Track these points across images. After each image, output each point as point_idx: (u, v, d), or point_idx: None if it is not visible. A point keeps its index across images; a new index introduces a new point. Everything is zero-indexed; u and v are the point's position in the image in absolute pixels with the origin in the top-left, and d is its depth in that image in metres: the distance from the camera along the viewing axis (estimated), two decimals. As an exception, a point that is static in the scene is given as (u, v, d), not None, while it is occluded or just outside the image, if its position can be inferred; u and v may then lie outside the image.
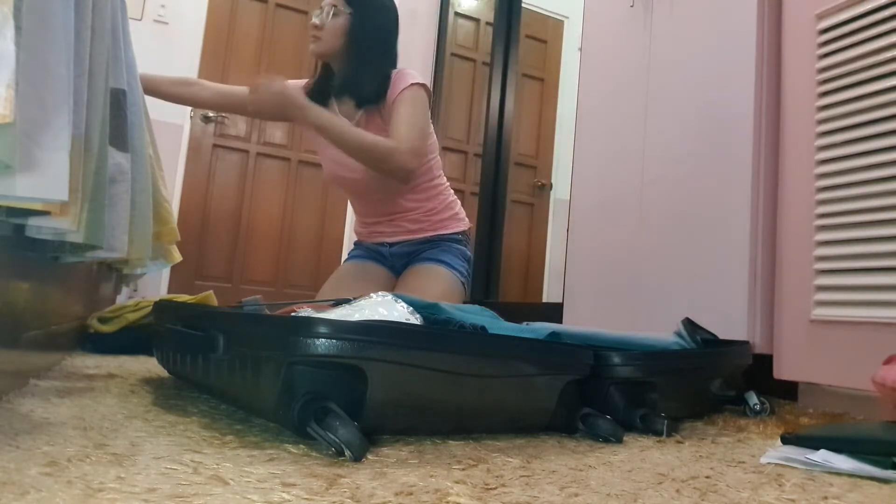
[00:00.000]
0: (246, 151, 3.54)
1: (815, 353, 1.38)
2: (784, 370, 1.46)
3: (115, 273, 2.00)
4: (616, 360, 0.98)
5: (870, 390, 1.07)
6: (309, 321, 0.69)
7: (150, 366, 1.29)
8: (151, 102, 1.59)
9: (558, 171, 4.23)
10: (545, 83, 4.34)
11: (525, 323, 1.08)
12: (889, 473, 0.73)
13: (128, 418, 0.76)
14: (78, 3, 0.75)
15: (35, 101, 0.63)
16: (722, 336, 1.30)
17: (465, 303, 1.56)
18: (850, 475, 0.74)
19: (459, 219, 1.78)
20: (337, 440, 0.63)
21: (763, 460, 0.80)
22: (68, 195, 0.68)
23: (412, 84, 1.58)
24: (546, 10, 4.30)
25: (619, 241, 1.95)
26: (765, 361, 1.47)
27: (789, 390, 1.50)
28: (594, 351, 0.95)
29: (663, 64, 1.88)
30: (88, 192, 0.83)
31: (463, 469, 0.64)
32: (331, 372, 0.70)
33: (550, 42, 4.37)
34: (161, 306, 1.12)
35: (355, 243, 1.87)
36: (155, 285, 3.17)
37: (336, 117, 1.56)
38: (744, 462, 0.79)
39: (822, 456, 0.78)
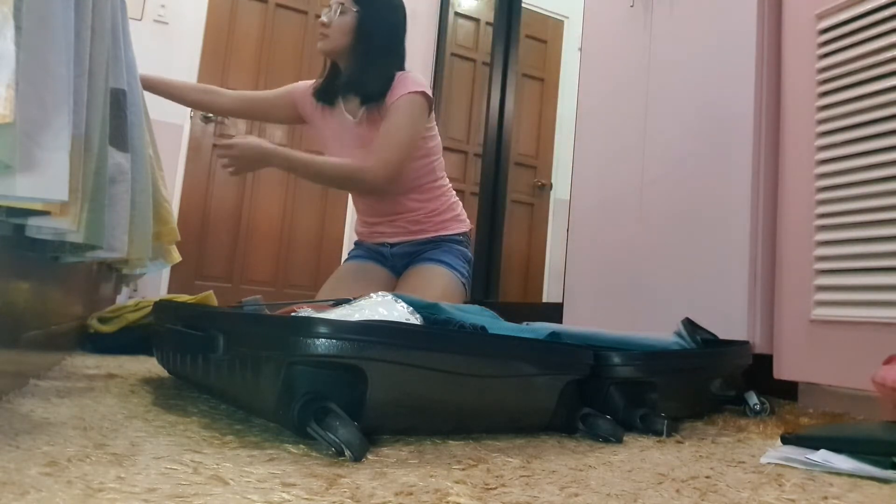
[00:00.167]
0: (246, 151, 3.54)
1: (815, 353, 1.38)
2: (784, 370, 1.46)
3: (115, 273, 2.00)
4: (616, 360, 0.98)
5: (870, 390, 1.07)
6: (309, 321, 0.69)
7: (150, 366, 1.29)
8: (151, 102, 1.59)
9: (558, 171, 4.23)
10: (545, 83, 4.34)
11: (525, 323, 1.08)
12: (889, 473, 0.73)
13: (128, 418, 0.76)
14: (78, 3, 0.75)
15: (35, 101, 0.63)
16: (722, 336, 1.30)
17: (465, 303, 1.56)
18: (850, 475, 0.74)
19: (461, 220, 1.78)
20: (337, 440, 0.63)
21: (763, 460, 0.80)
22: (68, 195, 0.68)
23: (410, 92, 1.57)
24: (546, 10, 4.30)
25: (619, 241, 1.95)
26: (765, 361, 1.47)
27: (789, 390, 1.50)
28: (594, 351, 0.95)
29: (663, 64, 1.88)
30: (88, 192, 0.83)
31: (463, 469, 0.64)
32: (331, 372, 0.70)
33: (550, 42, 4.37)
34: (161, 306, 1.12)
35: (356, 243, 1.87)
36: (155, 285, 3.17)
37: (303, 155, 1.58)
38: (744, 462, 0.79)
39: (822, 456, 0.78)
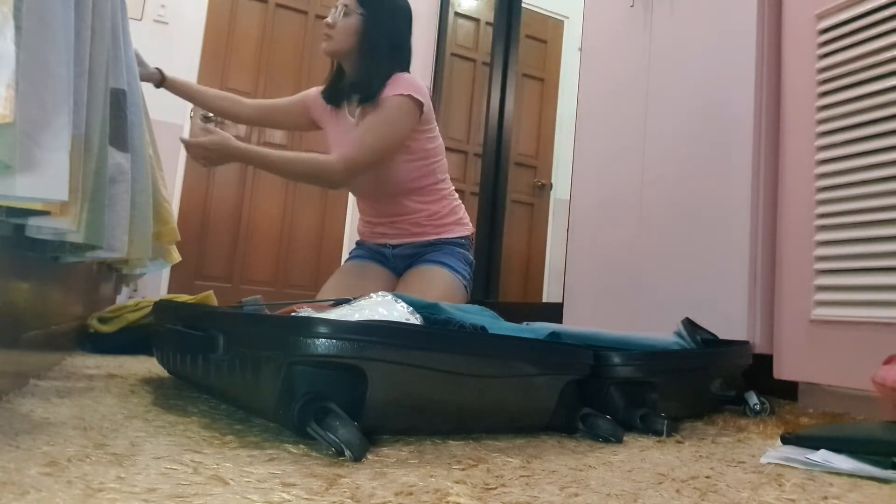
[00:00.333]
0: (246, 151, 3.54)
1: (815, 353, 1.38)
2: (784, 370, 1.46)
3: (115, 273, 2.00)
4: (616, 360, 0.98)
5: (870, 390, 1.07)
6: (309, 321, 0.69)
7: (150, 366, 1.29)
8: (151, 102, 1.59)
9: (558, 171, 4.23)
10: (545, 83, 4.34)
11: (525, 323, 1.08)
12: (889, 473, 0.73)
13: (128, 418, 0.76)
14: (78, 3, 0.75)
15: (35, 101, 0.63)
16: (722, 336, 1.30)
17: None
18: (850, 475, 0.74)
19: (463, 224, 1.78)
20: (337, 440, 0.63)
21: (763, 460, 0.80)
22: (68, 195, 0.68)
23: (398, 94, 1.55)
24: (546, 10, 4.30)
25: (619, 241, 1.95)
26: (765, 361, 1.47)
27: (789, 390, 1.50)
28: (594, 351, 0.95)
29: (663, 64, 1.88)
30: (88, 192, 0.83)
31: (463, 469, 0.64)
32: (331, 372, 0.70)
33: (550, 42, 4.37)
34: (161, 306, 1.12)
35: (357, 243, 1.87)
36: (155, 285, 3.17)
37: (265, 151, 1.59)
38: (744, 462, 0.79)
39: (822, 456, 0.78)
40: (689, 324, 1.21)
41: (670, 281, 1.73)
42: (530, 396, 0.88)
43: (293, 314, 0.85)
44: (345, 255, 3.64)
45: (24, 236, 0.79)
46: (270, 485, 0.53)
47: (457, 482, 0.59)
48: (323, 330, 0.67)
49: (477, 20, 4.23)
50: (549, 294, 4.12)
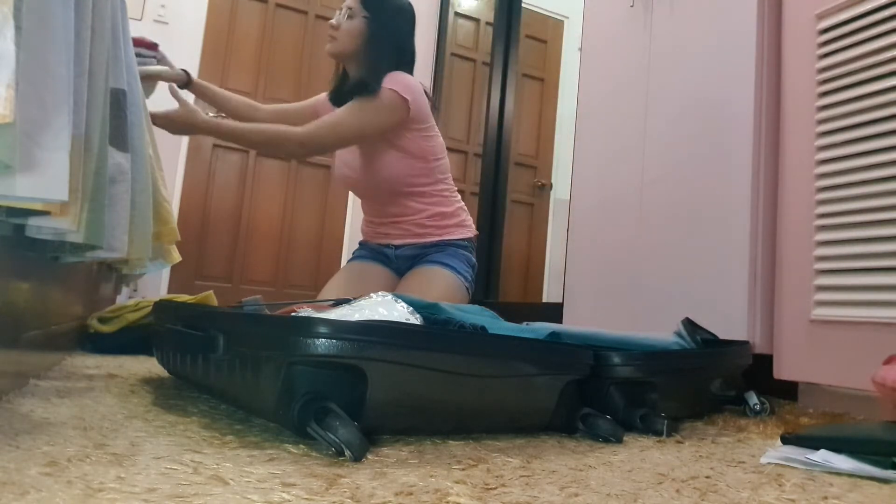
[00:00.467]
0: (246, 151, 3.53)
1: (815, 353, 1.38)
2: (784, 370, 1.46)
3: (115, 273, 1.99)
4: (616, 360, 0.98)
5: (870, 390, 1.07)
6: (309, 321, 0.69)
7: (150, 366, 1.29)
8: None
9: (558, 171, 4.23)
10: (545, 83, 4.34)
11: (525, 323, 1.08)
12: (889, 473, 0.73)
13: (128, 418, 0.76)
14: (78, 3, 0.75)
15: (35, 101, 0.63)
16: (722, 336, 1.30)
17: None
18: (850, 475, 0.74)
19: (466, 226, 1.78)
20: (337, 440, 0.63)
21: (763, 460, 0.80)
22: (68, 195, 0.68)
23: (386, 88, 1.56)
24: (546, 10, 4.30)
25: (619, 241, 1.95)
26: (765, 361, 1.47)
27: (789, 390, 1.50)
28: (594, 351, 0.95)
29: (663, 64, 1.88)
30: (88, 192, 0.83)
31: (463, 469, 0.64)
32: (331, 372, 0.70)
33: (550, 42, 4.37)
34: (161, 306, 1.12)
35: (360, 243, 1.88)
36: (155, 285, 3.17)
37: (228, 121, 1.62)
38: (744, 462, 0.79)
39: (822, 456, 0.78)
40: (689, 324, 1.21)
41: (670, 281, 1.73)
42: (530, 396, 0.88)
43: (293, 314, 0.86)
44: (345, 255, 3.64)
45: (24, 236, 0.79)
46: (270, 485, 0.53)
47: (457, 482, 0.59)
48: (323, 330, 0.67)
49: (477, 20, 4.23)
50: (549, 294, 4.12)
